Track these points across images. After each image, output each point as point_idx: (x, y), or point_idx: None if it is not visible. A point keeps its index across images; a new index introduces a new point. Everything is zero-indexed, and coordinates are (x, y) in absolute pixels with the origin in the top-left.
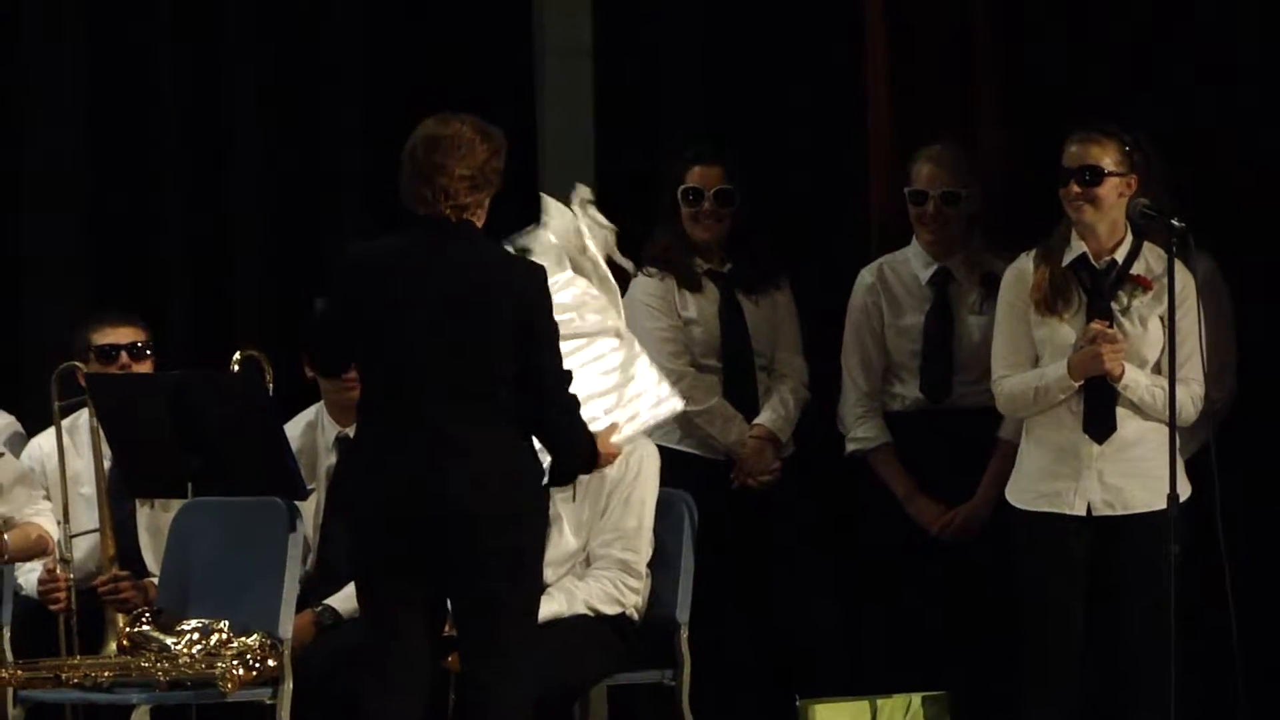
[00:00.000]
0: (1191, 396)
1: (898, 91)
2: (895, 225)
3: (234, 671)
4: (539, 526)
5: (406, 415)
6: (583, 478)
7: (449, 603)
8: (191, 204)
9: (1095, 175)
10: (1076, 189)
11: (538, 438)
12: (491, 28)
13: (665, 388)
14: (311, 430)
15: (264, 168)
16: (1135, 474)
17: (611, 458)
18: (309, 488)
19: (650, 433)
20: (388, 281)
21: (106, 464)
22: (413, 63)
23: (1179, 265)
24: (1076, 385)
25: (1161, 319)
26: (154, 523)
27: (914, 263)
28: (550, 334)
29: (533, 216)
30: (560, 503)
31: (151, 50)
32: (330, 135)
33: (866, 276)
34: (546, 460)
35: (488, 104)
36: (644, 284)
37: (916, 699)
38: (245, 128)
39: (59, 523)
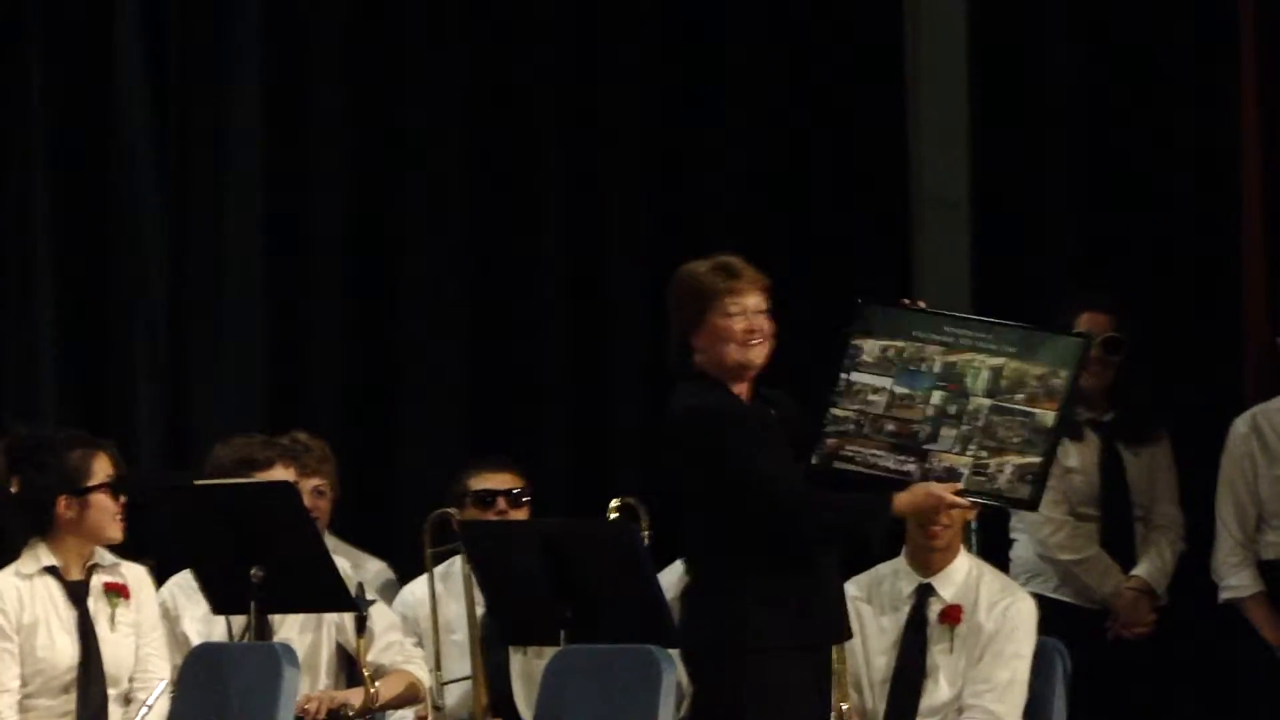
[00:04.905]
0: None
1: (1274, 239)
2: (1270, 374)
3: None
4: None
5: None
6: (959, 629)
7: None
8: (571, 351)
9: None
10: None
11: None
12: (870, 178)
13: None
14: None
15: (641, 316)
16: None
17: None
18: None
19: (1026, 582)
20: None
21: (479, 611)
22: (796, 208)
23: None
24: None
25: None
26: (527, 670)
27: None
28: None
29: None
30: (938, 654)
31: (535, 182)
32: None
33: (1240, 426)
34: None
35: (865, 251)
36: None
37: None
38: (624, 277)
39: (431, 670)
